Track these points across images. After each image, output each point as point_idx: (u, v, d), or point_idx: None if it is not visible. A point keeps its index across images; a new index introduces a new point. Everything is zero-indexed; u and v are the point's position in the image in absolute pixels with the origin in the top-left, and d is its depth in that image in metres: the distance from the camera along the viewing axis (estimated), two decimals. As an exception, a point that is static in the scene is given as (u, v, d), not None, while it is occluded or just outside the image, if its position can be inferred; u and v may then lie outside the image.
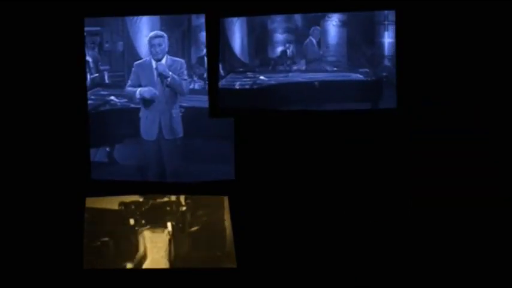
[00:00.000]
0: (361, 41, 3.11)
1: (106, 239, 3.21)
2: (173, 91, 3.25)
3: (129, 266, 3.20)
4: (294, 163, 3.21)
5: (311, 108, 3.18)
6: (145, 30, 3.23)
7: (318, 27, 3.17)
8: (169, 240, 3.20)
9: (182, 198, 3.22)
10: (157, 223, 3.22)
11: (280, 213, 3.23)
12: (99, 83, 3.27)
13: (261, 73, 3.21)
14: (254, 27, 3.22)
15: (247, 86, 3.22)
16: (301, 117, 3.17)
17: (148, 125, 3.26)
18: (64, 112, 3.30)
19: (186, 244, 3.22)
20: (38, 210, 3.29)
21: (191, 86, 3.24)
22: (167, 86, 3.24)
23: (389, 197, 3.15)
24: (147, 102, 3.26)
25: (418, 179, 3.12)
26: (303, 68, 3.20)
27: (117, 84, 3.26)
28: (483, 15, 2.99)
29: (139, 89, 3.24)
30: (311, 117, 3.16)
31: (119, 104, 3.26)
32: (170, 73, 3.23)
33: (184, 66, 3.23)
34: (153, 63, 3.24)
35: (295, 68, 3.20)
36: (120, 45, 3.25)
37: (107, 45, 3.25)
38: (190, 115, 3.24)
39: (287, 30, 3.19)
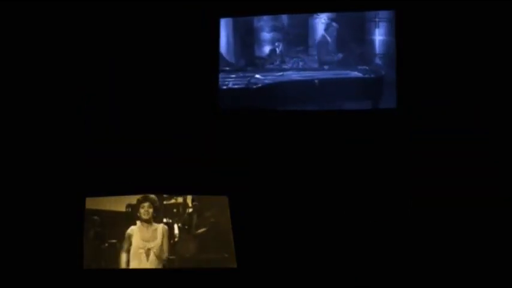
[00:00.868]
0: (350, 39, 3.08)
1: (114, 240, 3.21)
2: None
3: (130, 266, 3.20)
4: (294, 163, 3.21)
5: (311, 108, 3.18)
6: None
7: (334, 24, 3.13)
8: (175, 242, 3.20)
9: (189, 199, 3.22)
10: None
11: (280, 213, 3.24)
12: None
13: (254, 72, 3.20)
14: (239, 26, 3.20)
15: (242, 86, 3.21)
16: (300, 117, 3.17)
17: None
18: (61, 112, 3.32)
19: (192, 246, 3.21)
20: (38, 210, 3.29)
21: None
22: None
23: (389, 196, 3.15)
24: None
25: (418, 178, 3.12)
26: (296, 66, 3.17)
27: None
28: (483, 15, 2.99)
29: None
30: (311, 117, 3.17)
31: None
32: None
33: None
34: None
35: (286, 66, 3.18)
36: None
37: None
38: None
39: (274, 29, 3.17)
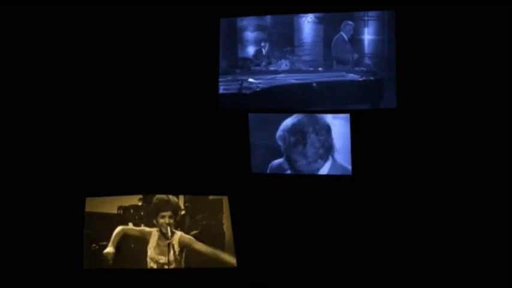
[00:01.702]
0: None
1: (104, 242, 3.21)
2: None
3: (128, 266, 3.20)
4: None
5: (310, 109, 3.18)
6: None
7: (350, 22, 3.04)
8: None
9: (181, 201, 3.22)
10: (155, 225, 3.21)
11: (280, 213, 3.24)
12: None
13: (242, 75, 3.14)
14: (221, 26, 3.15)
15: (234, 91, 3.18)
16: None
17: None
18: (64, 113, 3.32)
19: (186, 246, 3.21)
20: (38, 210, 3.29)
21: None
22: None
23: (389, 196, 3.15)
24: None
25: (418, 178, 3.12)
26: (284, 68, 3.12)
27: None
28: (483, 16, 2.99)
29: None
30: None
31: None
32: None
33: None
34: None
35: (272, 68, 3.13)
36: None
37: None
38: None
39: (258, 28, 3.10)
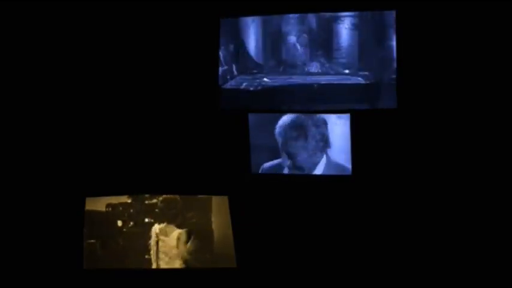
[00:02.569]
0: (371, 43, 3.10)
1: (93, 240, 3.22)
2: None
3: (123, 266, 3.21)
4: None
5: (310, 109, 3.18)
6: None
7: (304, 35, 3.16)
8: (157, 242, 3.21)
9: (173, 199, 3.22)
10: (149, 224, 3.22)
11: (280, 213, 3.24)
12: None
13: (268, 75, 3.21)
14: (268, 29, 3.21)
15: (251, 88, 3.22)
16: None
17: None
18: (64, 113, 3.31)
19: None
20: (38, 210, 3.29)
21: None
22: None
23: (389, 196, 3.15)
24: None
25: (418, 178, 3.12)
26: (313, 70, 3.19)
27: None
28: (483, 16, 2.99)
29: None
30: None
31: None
32: None
33: None
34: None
35: (305, 70, 3.19)
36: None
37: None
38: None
39: (301, 32, 3.18)
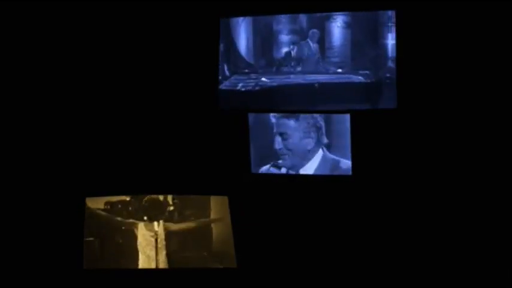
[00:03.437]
0: (365, 42, 3.09)
1: (92, 239, 3.23)
2: None
3: (120, 265, 3.21)
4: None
5: (310, 109, 3.18)
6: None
7: (316, 30, 3.14)
8: (156, 241, 3.22)
9: (169, 197, 3.23)
10: (146, 222, 3.23)
11: (280, 213, 3.24)
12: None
13: (264, 74, 3.20)
14: (259, 28, 3.20)
15: (249, 88, 3.22)
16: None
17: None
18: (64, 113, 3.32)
19: (175, 244, 3.23)
20: (38, 210, 3.29)
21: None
22: None
23: (389, 196, 3.15)
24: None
25: (418, 179, 3.12)
26: (306, 69, 3.18)
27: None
28: (483, 16, 2.98)
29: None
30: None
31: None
32: None
33: None
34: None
35: (298, 69, 3.19)
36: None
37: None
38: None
39: (292, 32, 3.17)
